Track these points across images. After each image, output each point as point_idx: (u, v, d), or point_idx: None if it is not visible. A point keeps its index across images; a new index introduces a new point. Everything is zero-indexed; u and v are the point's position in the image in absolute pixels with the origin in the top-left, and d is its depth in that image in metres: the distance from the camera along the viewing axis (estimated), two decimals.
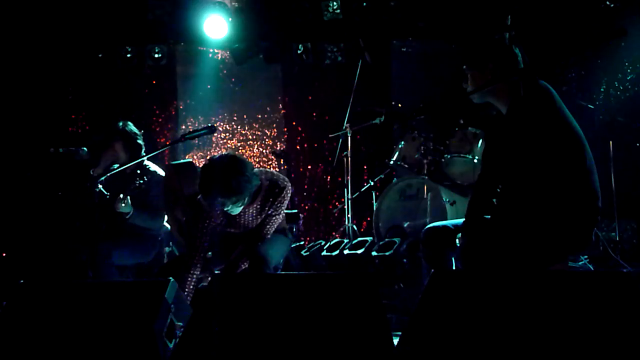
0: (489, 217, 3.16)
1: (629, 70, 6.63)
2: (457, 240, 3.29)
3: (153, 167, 4.74)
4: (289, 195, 4.07)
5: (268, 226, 4.03)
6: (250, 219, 4.03)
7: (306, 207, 7.63)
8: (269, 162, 8.02)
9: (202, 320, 2.82)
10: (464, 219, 3.27)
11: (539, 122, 3.08)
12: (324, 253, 5.89)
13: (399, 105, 7.54)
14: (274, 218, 4.04)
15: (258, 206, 4.01)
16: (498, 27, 5.91)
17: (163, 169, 4.77)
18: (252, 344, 2.67)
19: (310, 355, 2.60)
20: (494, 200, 3.17)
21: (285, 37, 7.55)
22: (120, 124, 4.74)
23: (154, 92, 7.79)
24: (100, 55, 7.39)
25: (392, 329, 2.93)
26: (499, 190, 3.18)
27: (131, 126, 4.77)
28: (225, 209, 3.90)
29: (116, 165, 4.61)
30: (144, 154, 4.64)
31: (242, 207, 3.95)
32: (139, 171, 4.60)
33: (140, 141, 4.74)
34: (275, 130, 8.15)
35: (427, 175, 6.01)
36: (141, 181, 4.37)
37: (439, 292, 2.61)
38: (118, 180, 4.38)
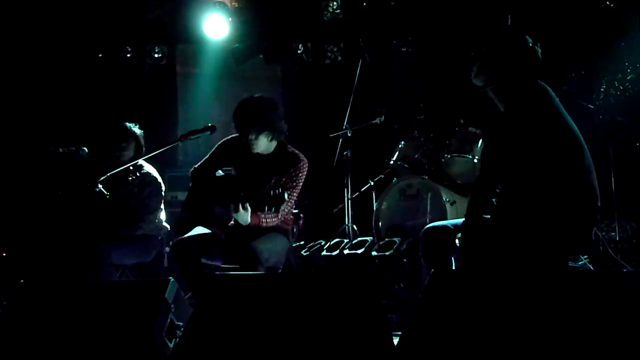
0: (489, 217, 3.16)
1: (629, 70, 6.63)
2: (457, 241, 3.29)
3: (147, 167, 4.76)
4: (305, 171, 4.15)
5: (280, 194, 3.83)
6: (264, 175, 4.04)
7: (306, 207, 7.61)
8: None
9: (202, 320, 2.82)
10: (464, 219, 3.27)
11: (537, 122, 3.08)
12: (324, 253, 5.88)
13: (399, 105, 7.53)
14: (288, 191, 4.00)
15: (275, 166, 4.10)
16: (498, 27, 5.91)
17: (158, 170, 4.81)
18: (252, 343, 2.67)
19: (310, 355, 2.60)
20: (494, 200, 3.17)
21: (285, 37, 7.55)
22: (132, 125, 4.79)
23: (154, 92, 7.78)
24: (100, 55, 7.39)
25: (392, 329, 2.93)
26: (498, 190, 3.18)
27: (138, 128, 4.84)
28: (249, 142, 4.07)
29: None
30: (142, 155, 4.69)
31: (263, 147, 4.13)
32: (131, 168, 4.63)
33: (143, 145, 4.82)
34: None
35: (427, 175, 6.01)
36: (133, 177, 4.39)
37: (439, 292, 2.61)
38: (112, 180, 4.39)
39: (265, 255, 3.96)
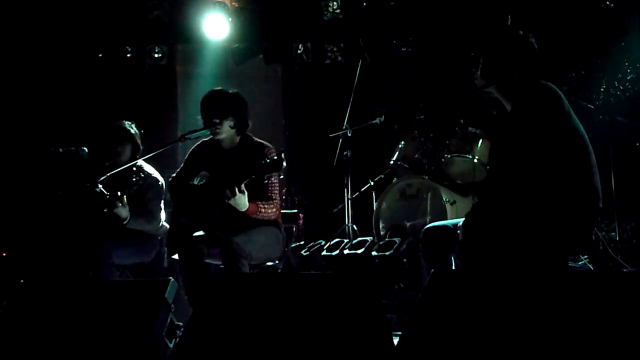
0: (491, 216, 3.15)
1: (629, 70, 6.63)
2: (459, 232, 3.25)
3: (147, 168, 4.75)
4: (273, 153, 4.07)
5: (278, 157, 3.82)
6: (236, 168, 3.99)
7: (306, 207, 7.62)
8: None
9: (202, 320, 2.82)
10: (467, 216, 3.27)
11: (547, 122, 3.07)
12: (324, 253, 5.88)
13: (399, 105, 7.53)
14: (264, 181, 4.02)
15: (244, 158, 4.07)
16: (496, 27, 5.91)
17: (158, 170, 4.81)
18: (252, 343, 2.67)
19: (310, 355, 2.60)
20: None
21: (285, 37, 7.55)
22: (128, 125, 4.79)
23: (154, 92, 7.78)
24: (100, 55, 7.39)
25: (392, 329, 2.93)
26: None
27: (135, 128, 4.84)
28: (213, 128, 4.09)
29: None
30: (139, 156, 4.69)
31: (225, 135, 4.14)
32: (134, 169, 4.62)
33: (140, 144, 4.80)
34: (275, 130, 8.14)
35: (427, 175, 6.01)
36: (137, 178, 4.38)
37: (439, 292, 2.61)
38: (113, 182, 4.39)
39: (245, 248, 3.88)
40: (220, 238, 4.00)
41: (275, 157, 3.72)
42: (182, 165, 4.41)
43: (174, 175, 4.41)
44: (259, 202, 4.00)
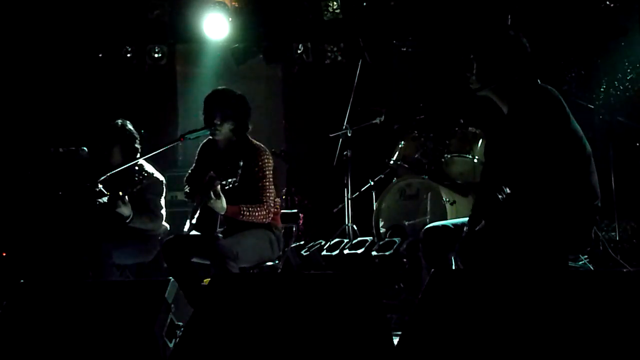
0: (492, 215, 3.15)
1: (629, 70, 6.63)
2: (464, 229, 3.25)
3: (148, 167, 4.74)
4: (267, 161, 4.12)
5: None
6: (230, 167, 4.00)
7: (306, 207, 7.62)
8: None
9: (202, 320, 2.82)
10: (465, 218, 3.27)
11: (548, 125, 3.08)
12: (324, 253, 5.88)
13: (399, 105, 7.53)
14: (258, 183, 4.04)
15: (238, 158, 4.02)
16: (488, 29, 5.92)
17: (160, 171, 4.80)
18: (252, 343, 2.67)
19: (310, 355, 2.60)
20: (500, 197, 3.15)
21: (285, 37, 7.55)
22: (119, 124, 4.76)
23: (154, 92, 7.78)
24: (100, 55, 7.40)
25: (392, 329, 2.94)
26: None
27: (130, 126, 4.80)
28: (213, 127, 4.09)
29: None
30: (139, 156, 4.68)
31: (223, 136, 4.14)
32: (136, 168, 4.62)
33: (137, 145, 4.77)
34: (275, 130, 8.14)
35: (427, 175, 6.00)
36: (140, 177, 4.37)
37: (439, 292, 2.61)
38: (114, 183, 4.39)
39: (232, 249, 3.88)
40: (207, 239, 3.99)
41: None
42: (194, 164, 4.47)
43: (189, 171, 4.47)
44: (242, 205, 3.98)
